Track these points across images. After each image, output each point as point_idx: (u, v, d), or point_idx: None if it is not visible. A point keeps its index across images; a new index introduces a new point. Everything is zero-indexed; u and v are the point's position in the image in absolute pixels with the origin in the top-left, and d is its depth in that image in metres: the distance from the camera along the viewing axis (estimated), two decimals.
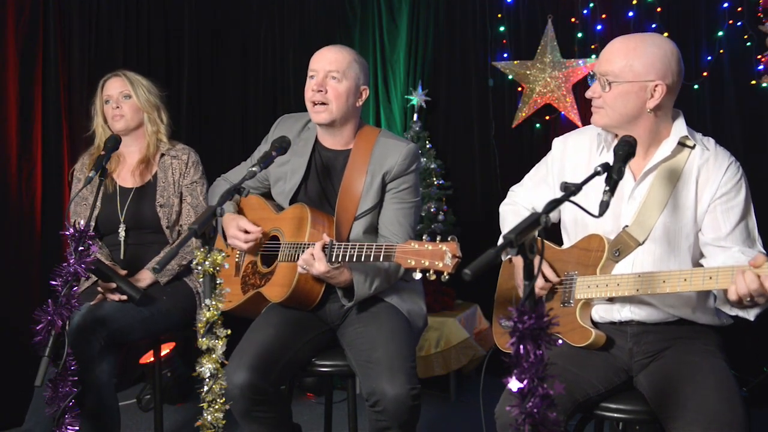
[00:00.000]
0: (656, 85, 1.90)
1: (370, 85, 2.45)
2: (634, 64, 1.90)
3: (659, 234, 1.95)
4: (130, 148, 2.79)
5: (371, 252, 2.02)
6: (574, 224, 2.11)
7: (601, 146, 2.07)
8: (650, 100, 1.92)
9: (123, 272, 2.60)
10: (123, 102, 2.74)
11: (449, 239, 1.86)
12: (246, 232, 2.36)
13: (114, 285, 2.51)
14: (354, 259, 2.06)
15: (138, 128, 2.79)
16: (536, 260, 1.40)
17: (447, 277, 1.85)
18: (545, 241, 1.91)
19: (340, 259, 2.09)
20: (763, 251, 1.93)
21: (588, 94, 2.00)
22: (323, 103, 2.28)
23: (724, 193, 1.93)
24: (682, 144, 1.98)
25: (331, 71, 2.27)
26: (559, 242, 2.18)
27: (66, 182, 2.92)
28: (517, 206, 2.30)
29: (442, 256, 1.85)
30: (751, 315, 1.84)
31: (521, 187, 2.33)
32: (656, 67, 1.90)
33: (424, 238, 1.94)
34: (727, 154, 1.99)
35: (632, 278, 1.89)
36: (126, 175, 2.78)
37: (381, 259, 2.01)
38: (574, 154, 2.14)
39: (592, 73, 2.01)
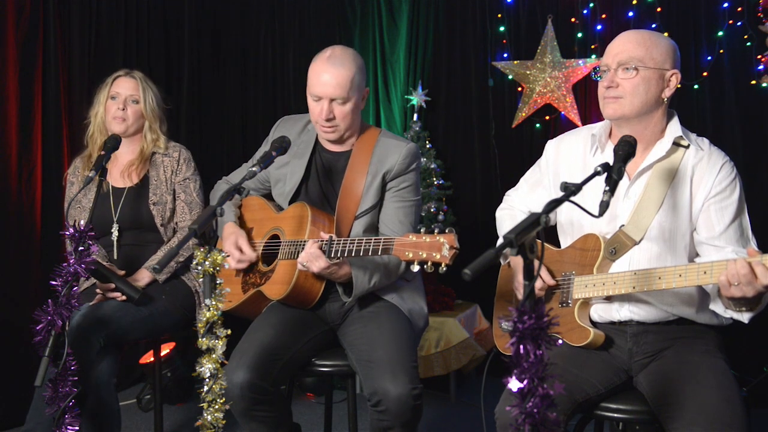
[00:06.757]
0: (672, 74, 1.96)
1: (369, 85, 2.45)
2: (653, 52, 1.94)
3: (655, 233, 1.95)
4: (122, 150, 2.75)
5: (370, 246, 2.02)
6: (571, 225, 2.11)
7: (594, 146, 2.07)
8: (666, 89, 1.96)
9: (121, 272, 2.59)
10: (129, 105, 2.72)
11: (447, 231, 1.85)
12: (241, 251, 2.36)
13: (112, 285, 2.51)
14: (353, 254, 2.06)
15: (135, 133, 2.78)
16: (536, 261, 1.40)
17: (444, 269, 1.84)
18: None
19: (339, 255, 2.09)
20: (757, 251, 1.93)
21: (604, 84, 1.97)
22: (331, 123, 2.27)
23: (718, 192, 1.94)
24: (676, 144, 1.98)
25: (335, 98, 2.24)
26: (556, 243, 2.18)
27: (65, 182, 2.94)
28: (513, 210, 2.31)
29: (439, 247, 1.84)
30: (745, 318, 1.84)
31: (516, 191, 2.33)
32: (671, 56, 1.96)
33: (422, 230, 1.92)
34: (721, 153, 1.99)
35: (628, 276, 1.89)
36: (117, 176, 2.77)
37: (380, 253, 2.00)
38: (568, 155, 2.14)
39: (598, 68, 2.00)
